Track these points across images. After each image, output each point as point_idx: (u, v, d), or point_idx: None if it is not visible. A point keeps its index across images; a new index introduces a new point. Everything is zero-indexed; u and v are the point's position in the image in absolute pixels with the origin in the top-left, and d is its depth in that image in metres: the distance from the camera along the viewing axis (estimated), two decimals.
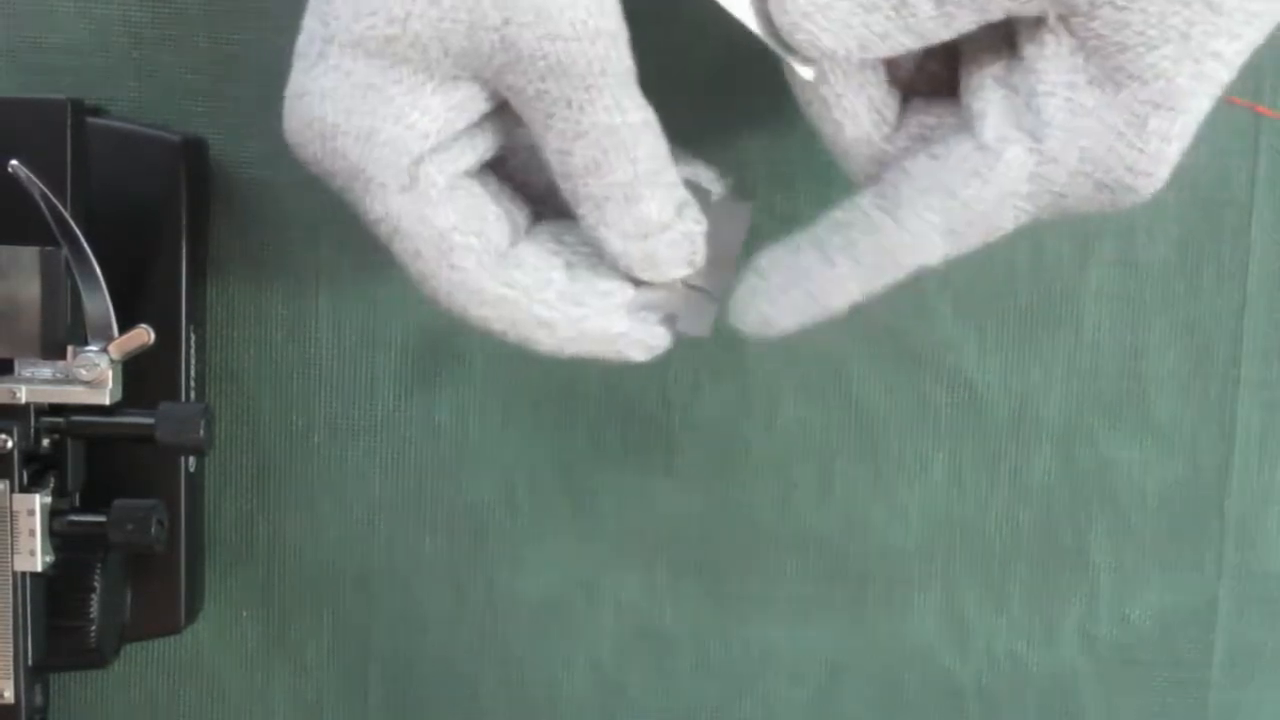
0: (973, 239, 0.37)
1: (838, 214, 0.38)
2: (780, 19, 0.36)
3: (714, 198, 0.40)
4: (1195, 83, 0.36)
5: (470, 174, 0.39)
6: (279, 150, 0.48)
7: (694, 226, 0.39)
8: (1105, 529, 0.50)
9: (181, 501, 0.47)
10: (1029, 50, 0.37)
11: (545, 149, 0.37)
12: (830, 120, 0.39)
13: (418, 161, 0.37)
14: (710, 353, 0.49)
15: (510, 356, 0.49)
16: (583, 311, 0.39)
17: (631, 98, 0.37)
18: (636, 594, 0.51)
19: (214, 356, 0.50)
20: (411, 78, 0.36)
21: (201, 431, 0.43)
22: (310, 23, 0.37)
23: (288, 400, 0.50)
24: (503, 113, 0.38)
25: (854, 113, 0.38)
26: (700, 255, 0.39)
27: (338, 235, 0.49)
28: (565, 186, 0.38)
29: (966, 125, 0.37)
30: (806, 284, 0.38)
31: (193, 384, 0.47)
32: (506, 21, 0.35)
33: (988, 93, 0.37)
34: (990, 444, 0.50)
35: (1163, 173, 0.37)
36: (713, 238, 0.40)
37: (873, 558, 0.50)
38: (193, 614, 0.49)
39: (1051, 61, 0.36)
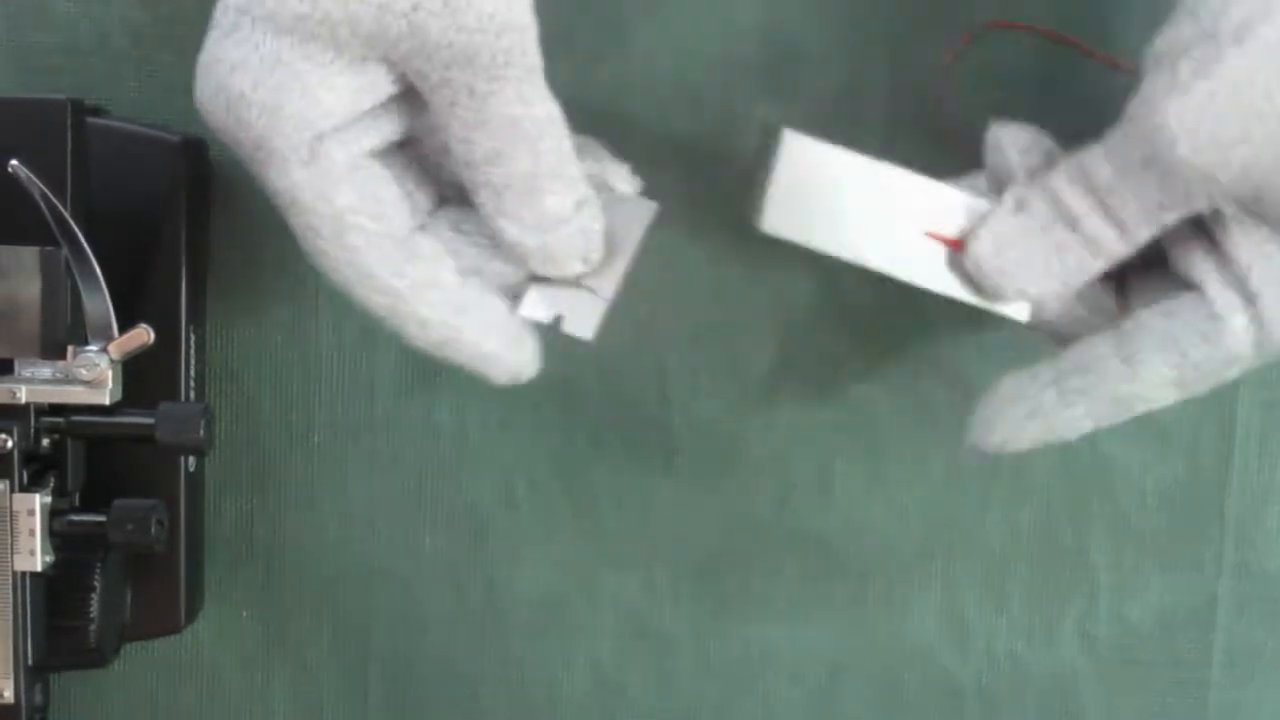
0: (1201, 389, 0.40)
1: (1078, 356, 0.41)
2: (984, 283, 0.40)
3: (619, 196, 0.41)
4: None
5: (374, 155, 0.39)
6: None
7: (591, 224, 0.40)
8: (1105, 529, 0.50)
9: (181, 501, 0.47)
10: (1219, 235, 0.39)
11: (448, 136, 0.38)
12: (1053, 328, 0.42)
13: (320, 138, 0.38)
14: (710, 353, 0.49)
15: None
16: (462, 321, 0.40)
17: (537, 91, 0.38)
18: (636, 594, 0.51)
19: (214, 356, 0.50)
20: (320, 55, 0.37)
21: (201, 431, 0.43)
22: None
23: (287, 400, 0.50)
24: (412, 96, 0.39)
25: (1076, 316, 0.42)
26: (596, 253, 0.40)
27: None
28: (466, 174, 0.39)
29: (1193, 293, 0.40)
30: (1045, 419, 0.41)
31: (192, 384, 0.47)
32: (415, 8, 0.36)
33: (1199, 262, 0.40)
34: None
35: None
36: (611, 236, 0.40)
37: (873, 558, 0.50)
38: (193, 614, 0.49)
39: (1238, 237, 0.39)
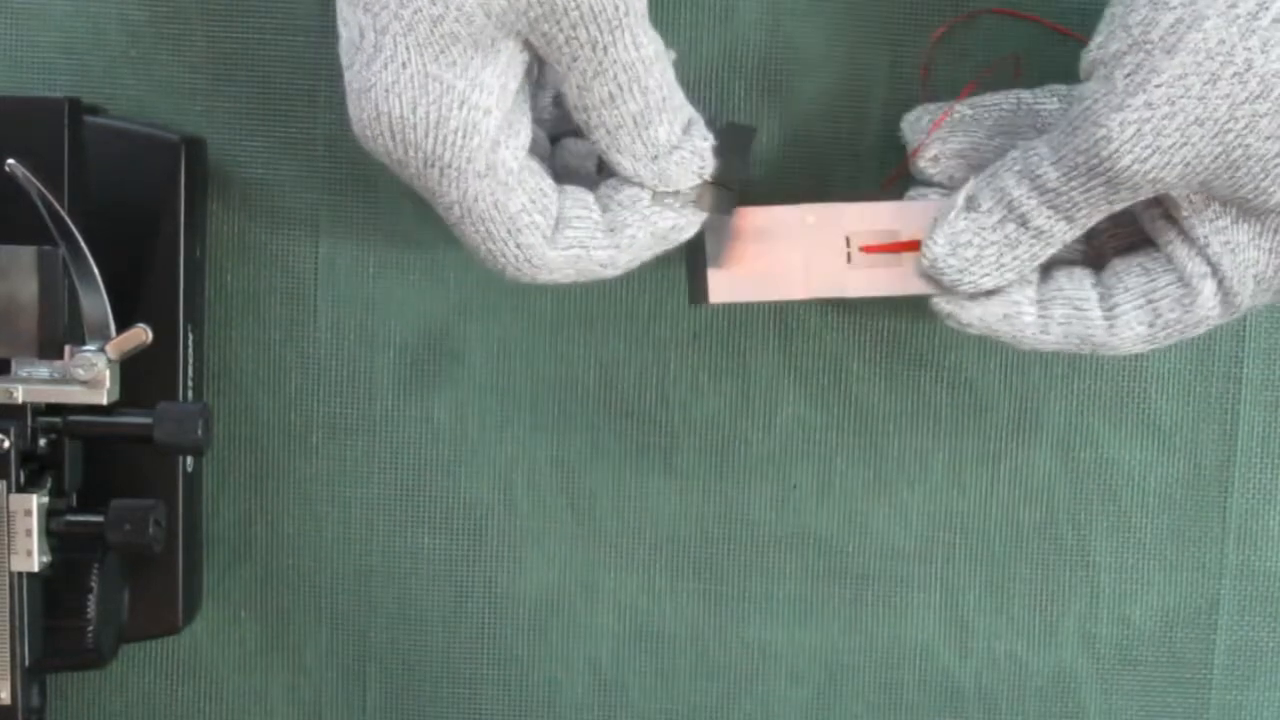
0: (1167, 343, 0.42)
1: (1066, 289, 0.42)
2: (941, 281, 0.42)
3: (720, 123, 0.42)
4: None
5: (528, 147, 0.41)
6: (277, 149, 0.49)
7: (701, 143, 0.41)
8: (1106, 529, 0.50)
9: (179, 501, 0.47)
10: (1174, 210, 0.41)
11: (565, 85, 0.40)
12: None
13: (494, 146, 0.39)
14: (710, 353, 0.49)
15: (509, 355, 0.50)
16: (630, 231, 0.42)
17: (646, 32, 0.40)
18: (636, 594, 0.51)
19: (212, 356, 0.49)
20: (462, 58, 0.38)
21: (200, 431, 0.43)
22: (354, 14, 0.38)
23: (286, 400, 0.50)
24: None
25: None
26: (708, 168, 0.42)
27: (336, 234, 0.49)
28: (581, 118, 0.40)
29: (1165, 256, 0.42)
30: (1016, 329, 0.42)
31: (190, 383, 0.47)
32: None
33: (1163, 230, 0.42)
34: (991, 443, 0.50)
35: None
36: (720, 152, 0.42)
37: (873, 558, 0.50)
38: (191, 614, 0.49)
39: (1194, 218, 0.41)
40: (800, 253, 0.43)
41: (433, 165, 0.39)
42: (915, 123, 0.44)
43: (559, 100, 0.44)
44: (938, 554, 0.50)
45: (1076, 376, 0.49)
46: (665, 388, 0.50)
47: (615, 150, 0.41)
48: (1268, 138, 0.38)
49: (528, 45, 0.40)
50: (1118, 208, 0.40)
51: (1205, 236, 0.41)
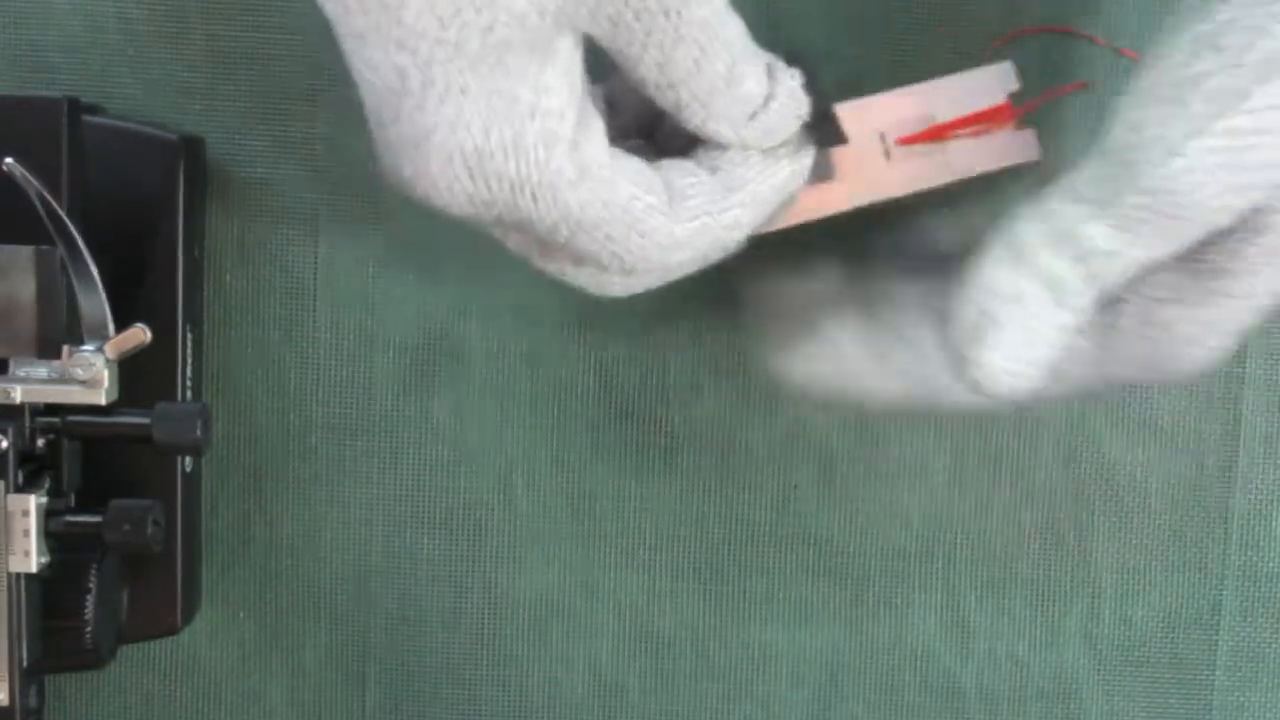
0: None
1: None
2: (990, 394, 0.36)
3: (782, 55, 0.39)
4: (1272, 299, 0.36)
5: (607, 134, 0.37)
6: (276, 148, 0.49)
7: (791, 82, 0.38)
8: (1108, 530, 0.50)
9: (178, 502, 0.47)
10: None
11: (641, 67, 0.36)
12: None
13: (575, 148, 0.35)
14: (710, 353, 0.49)
15: (509, 355, 0.50)
16: (751, 188, 0.38)
17: None
18: (636, 594, 0.50)
19: (211, 356, 0.49)
20: (520, 65, 0.35)
21: (199, 431, 0.42)
22: (386, 58, 0.34)
23: (285, 400, 0.50)
24: None
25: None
26: (805, 106, 0.38)
27: (335, 234, 0.49)
28: (667, 97, 0.36)
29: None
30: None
31: (189, 383, 0.47)
32: None
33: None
34: (992, 443, 0.50)
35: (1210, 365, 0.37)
36: (808, 88, 0.38)
37: (873, 558, 0.50)
38: (190, 615, 0.49)
39: (1157, 275, 0.36)
40: (833, 163, 0.40)
41: (523, 190, 0.35)
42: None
43: (611, 101, 0.40)
44: (939, 554, 0.50)
45: None
46: (665, 388, 0.50)
47: (713, 120, 0.37)
48: None
49: (583, 41, 0.36)
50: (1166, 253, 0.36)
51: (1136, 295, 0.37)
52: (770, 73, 0.37)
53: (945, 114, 0.40)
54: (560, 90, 0.35)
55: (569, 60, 0.36)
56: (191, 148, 0.47)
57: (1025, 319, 0.35)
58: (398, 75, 0.34)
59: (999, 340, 0.36)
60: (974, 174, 0.40)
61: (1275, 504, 0.50)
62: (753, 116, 0.37)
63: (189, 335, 0.47)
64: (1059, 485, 0.50)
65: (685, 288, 0.48)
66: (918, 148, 0.40)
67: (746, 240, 0.39)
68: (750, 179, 0.38)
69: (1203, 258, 0.36)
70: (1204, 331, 0.37)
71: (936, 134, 0.40)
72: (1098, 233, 0.35)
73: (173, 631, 0.48)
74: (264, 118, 0.48)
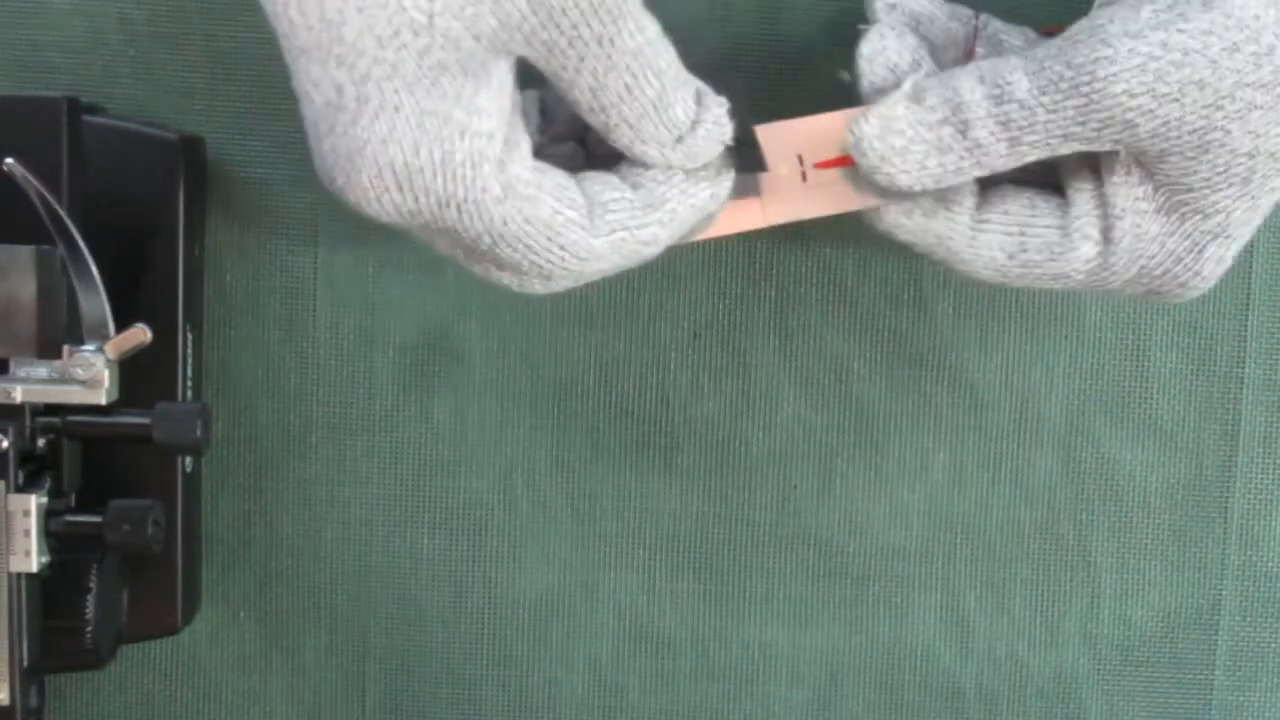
0: (1016, 284, 0.41)
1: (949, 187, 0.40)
2: (860, 161, 0.40)
3: (714, 84, 0.41)
4: (1251, 215, 0.40)
5: (532, 152, 0.39)
6: (276, 148, 0.49)
7: (718, 110, 0.40)
8: (1108, 529, 0.50)
9: (178, 501, 0.47)
10: (1105, 173, 0.40)
11: (575, 91, 0.38)
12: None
13: (502, 167, 0.37)
14: (710, 353, 0.49)
15: (509, 355, 0.50)
16: (670, 206, 0.40)
17: (644, 14, 0.38)
18: (636, 594, 0.50)
19: (211, 356, 0.49)
20: (454, 86, 0.36)
21: (199, 431, 0.42)
22: (325, 73, 0.36)
23: (285, 400, 0.50)
24: None
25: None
26: (728, 132, 0.40)
27: (335, 234, 0.49)
28: (598, 120, 0.38)
29: (1061, 200, 0.41)
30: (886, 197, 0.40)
31: (189, 383, 0.47)
32: None
33: (1079, 183, 0.40)
34: (992, 443, 0.50)
35: (1209, 286, 0.41)
36: (733, 113, 0.40)
37: (873, 558, 0.50)
38: (190, 614, 0.49)
39: (1122, 188, 0.40)
40: (755, 180, 0.41)
41: (448, 205, 0.37)
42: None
43: (544, 108, 0.42)
44: (938, 554, 0.50)
45: (1077, 376, 0.49)
46: (665, 388, 0.50)
47: (641, 142, 0.39)
48: (1250, 132, 0.38)
49: (517, 64, 0.38)
50: (1063, 150, 0.39)
51: (1122, 209, 0.40)
52: (699, 98, 0.39)
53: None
54: (491, 112, 0.37)
55: (501, 82, 0.37)
56: (191, 148, 0.47)
57: (910, 111, 0.39)
58: (335, 90, 0.36)
59: (877, 112, 0.39)
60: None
61: (1274, 504, 0.50)
62: (679, 140, 0.39)
63: (189, 335, 0.47)
64: (1059, 485, 0.50)
65: (686, 287, 0.49)
66: (835, 173, 0.41)
67: (662, 252, 0.40)
68: (671, 198, 0.40)
69: (1163, 173, 0.39)
70: (1188, 246, 0.40)
71: (851, 160, 0.40)
72: (1019, 82, 0.38)
73: (173, 631, 0.48)
74: (264, 118, 0.48)
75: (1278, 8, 0.37)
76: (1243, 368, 0.49)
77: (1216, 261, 0.40)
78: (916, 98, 0.39)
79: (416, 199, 0.37)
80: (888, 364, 0.49)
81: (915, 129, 0.39)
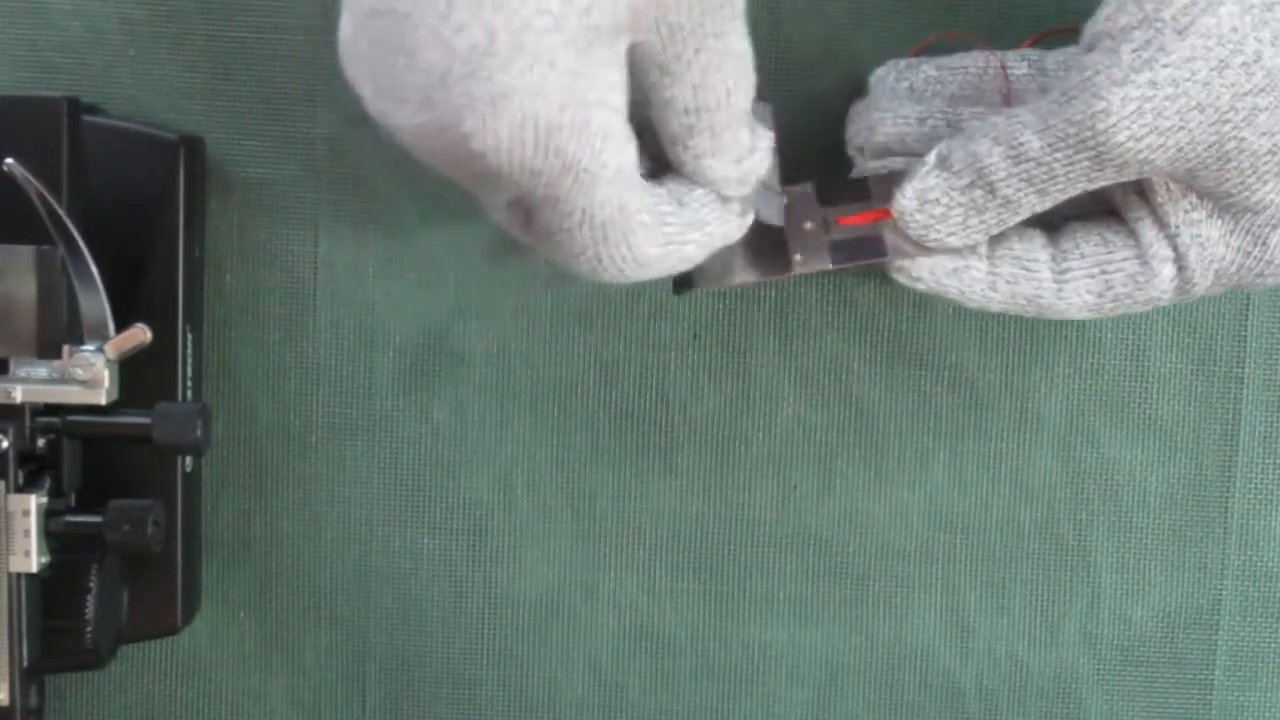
0: (1113, 314, 0.43)
1: (1017, 248, 0.42)
2: (909, 236, 0.41)
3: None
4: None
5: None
6: (276, 148, 0.49)
7: (766, 141, 0.41)
8: (1107, 529, 0.50)
9: (178, 502, 0.47)
10: (1150, 195, 0.41)
11: (679, 84, 0.38)
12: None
13: (622, 148, 0.37)
14: (710, 353, 0.49)
15: (509, 355, 0.50)
16: (710, 229, 0.40)
17: (745, 25, 0.38)
18: (636, 594, 0.50)
19: (211, 356, 0.49)
20: (601, 55, 0.36)
21: (199, 431, 0.42)
22: (476, 16, 0.34)
23: (285, 400, 0.50)
24: None
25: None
26: (770, 164, 0.41)
27: (336, 235, 0.49)
28: (684, 123, 0.38)
29: (1128, 231, 0.42)
30: (963, 285, 0.42)
31: (190, 383, 0.47)
32: None
33: (1136, 212, 0.42)
34: (992, 443, 0.50)
35: None
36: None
37: (873, 558, 0.50)
38: (190, 614, 0.48)
39: (1169, 206, 0.41)
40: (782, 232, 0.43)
41: (569, 171, 0.36)
42: (883, 79, 0.44)
43: None
44: (938, 554, 0.50)
45: (1077, 376, 0.49)
46: (665, 388, 0.50)
47: (713, 155, 0.39)
48: (1263, 133, 0.38)
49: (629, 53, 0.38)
50: (1094, 186, 0.40)
51: (1177, 225, 0.41)
52: (753, 129, 0.40)
53: (880, 201, 0.43)
54: (620, 88, 0.37)
55: (623, 64, 0.37)
56: (191, 148, 0.47)
57: (942, 179, 0.41)
58: (487, 34, 0.34)
59: (913, 185, 0.41)
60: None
61: (1274, 504, 0.50)
62: (739, 161, 0.40)
63: (189, 335, 0.47)
64: (1058, 485, 0.50)
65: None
66: (856, 228, 0.42)
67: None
68: (710, 220, 0.40)
69: (1199, 185, 0.40)
70: (1251, 240, 0.41)
71: (873, 216, 0.42)
72: (1030, 141, 0.39)
73: (173, 631, 0.48)
74: (264, 118, 0.48)
75: (1253, 14, 0.37)
76: (1243, 368, 0.49)
77: None
78: (944, 165, 0.41)
79: (545, 158, 0.35)
80: (888, 364, 0.49)
81: (949, 195, 0.41)
